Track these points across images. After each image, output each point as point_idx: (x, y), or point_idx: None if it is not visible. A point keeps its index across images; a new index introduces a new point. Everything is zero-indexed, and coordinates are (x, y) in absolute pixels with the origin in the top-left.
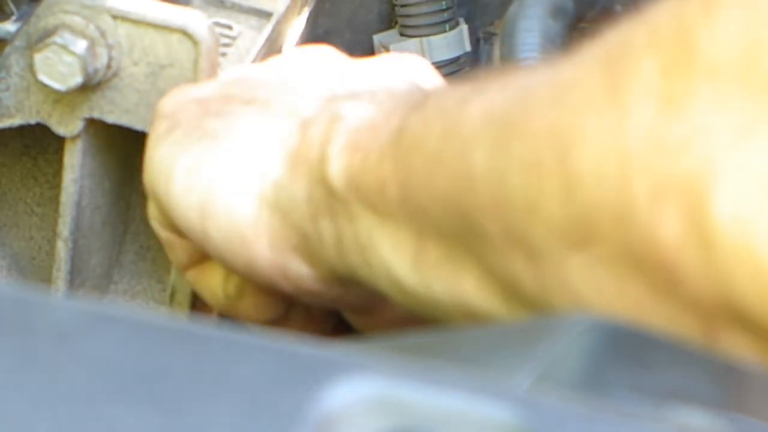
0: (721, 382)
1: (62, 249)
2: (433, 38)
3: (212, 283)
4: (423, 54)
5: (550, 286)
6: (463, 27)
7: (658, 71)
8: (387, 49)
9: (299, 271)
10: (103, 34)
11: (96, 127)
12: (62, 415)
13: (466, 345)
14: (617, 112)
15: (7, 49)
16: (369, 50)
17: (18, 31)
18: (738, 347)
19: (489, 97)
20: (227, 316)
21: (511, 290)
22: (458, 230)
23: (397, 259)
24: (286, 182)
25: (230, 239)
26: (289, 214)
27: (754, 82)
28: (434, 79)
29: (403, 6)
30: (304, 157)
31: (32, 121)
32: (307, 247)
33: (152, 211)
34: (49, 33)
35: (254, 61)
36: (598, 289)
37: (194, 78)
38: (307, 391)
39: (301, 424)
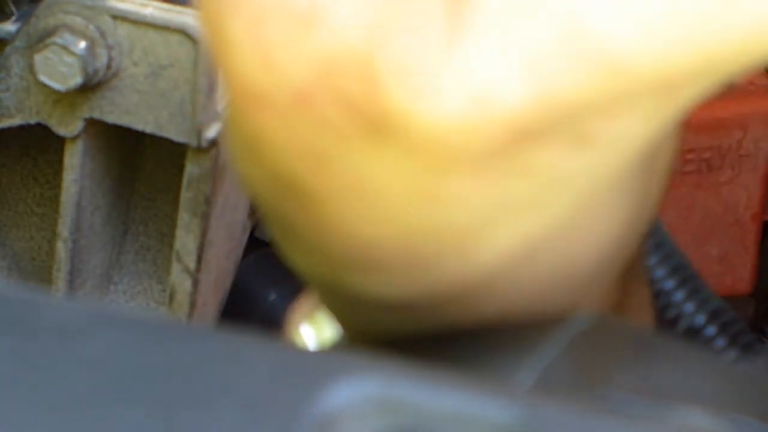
0: (721, 382)
1: (62, 249)
2: None
3: None
4: None
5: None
6: None
7: None
8: None
9: None
10: (103, 34)
11: (96, 128)
12: (62, 415)
13: (465, 345)
14: None
15: (7, 49)
16: None
17: (18, 31)
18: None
19: None
20: None
21: None
22: None
23: None
24: None
25: None
26: None
27: None
28: None
29: None
30: None
31: (32, 122)
32: None
33: None
34: (49, 33)
35: None
36: None
37: (194, 78)
38: (307, 391)
39: (302, 424)
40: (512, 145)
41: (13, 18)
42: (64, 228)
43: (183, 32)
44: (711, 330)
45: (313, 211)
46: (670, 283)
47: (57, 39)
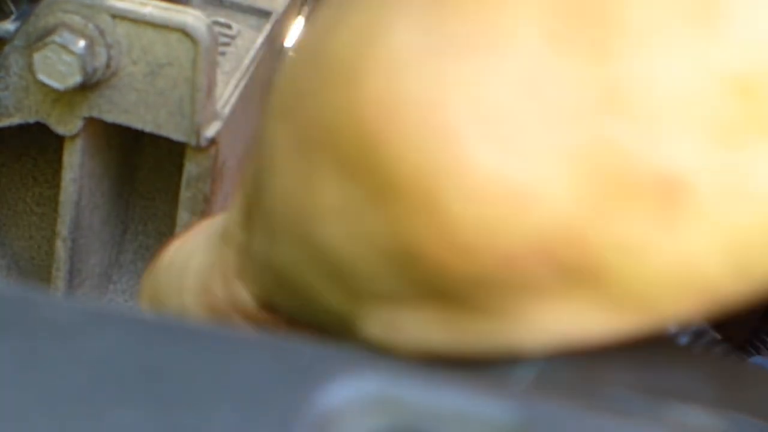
0: (721, 382)
1: (61, 248)
2: None
3: None
4: None
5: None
6: None
7: None
8: None
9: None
10: (102, 33)
11: (95, 127)
12: (62, 414)
13: None
14: None
15: (6, 48)
16: None
17: (17, 30)
18: None
19: None
20: None
21: None
22: None
23: None
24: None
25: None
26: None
27: None
28: None
29: None
30: None
31: (31, 121)
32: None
33: None
34: (48, 32)
35: (253, 60)
36: None
37: (193, 77)
38: (307, 389)
39: (301, 422)
40: (703, 305)
41: (13, 17)
42: (63, 227)
43: (182, 31)
44: (683, 339)
45: (464, 316)
46: None
47: (56, 38)
